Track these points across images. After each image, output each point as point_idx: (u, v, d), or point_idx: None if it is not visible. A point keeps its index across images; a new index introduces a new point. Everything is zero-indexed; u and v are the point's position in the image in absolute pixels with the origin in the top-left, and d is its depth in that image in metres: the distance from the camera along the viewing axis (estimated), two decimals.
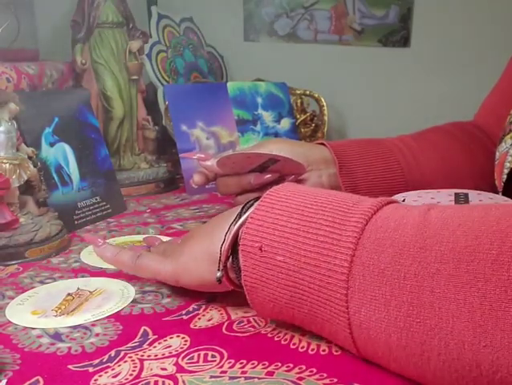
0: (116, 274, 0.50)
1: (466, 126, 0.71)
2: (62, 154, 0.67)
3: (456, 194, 0.50)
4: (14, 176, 0.55)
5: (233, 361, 0.35)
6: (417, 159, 0.63)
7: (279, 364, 0.34)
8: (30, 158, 0.59)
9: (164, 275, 0.43)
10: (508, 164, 0.52)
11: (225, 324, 0.40)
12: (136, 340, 0.38)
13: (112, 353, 0.36)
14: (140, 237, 0.61)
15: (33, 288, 0.48)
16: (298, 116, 1.03)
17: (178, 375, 0.34)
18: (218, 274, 0.39)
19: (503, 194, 0.53)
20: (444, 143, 0.66)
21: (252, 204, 0.38)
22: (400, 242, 0.31)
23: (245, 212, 0.38)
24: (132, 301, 0.44)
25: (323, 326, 0.34)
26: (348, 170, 0.61)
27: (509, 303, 0.26)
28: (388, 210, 0.34)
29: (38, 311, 0.43)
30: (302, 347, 0.36)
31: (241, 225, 0.37)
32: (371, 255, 0.31)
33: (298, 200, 0.36)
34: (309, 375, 0.33)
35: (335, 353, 0.35)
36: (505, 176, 0.53)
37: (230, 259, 0.38)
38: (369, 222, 0.33)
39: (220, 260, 0.38)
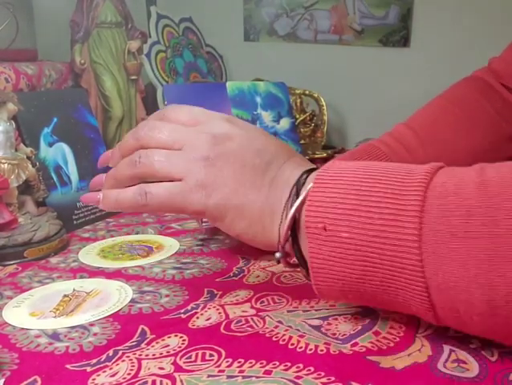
0: (113, 274, 0.50)
1: (470, 89, 0.71)
2: (61, 154, 0.67)
3: None
4: (12, 176, 0.55)
5: (230, 360, 0.35)
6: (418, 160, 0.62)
7: (277, 363, 0.34)
8: (28, 158, 0.59)
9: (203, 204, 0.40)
10: None
11: (224, 323, 0.40)
12: (133, 339, 0.38)
13: (110, 352, 0.36)
14: (139, 237, 0.61)
15: (31, 288, 0.48)
16: (297, 116, 1.03)
17: (176, 375, 0.34)
18: (278, 255, 0.39)
19: None
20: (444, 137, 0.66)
21: (303, 183, 0.38)
22: (466, 204, 0.31)
23: (297, 193, 0.38)
24: (131, 301, 0.44)
25: (397, 294, 0.34)
26: None
27: None
28: (443, 175, 0.34)
29: (37, 313, 0.43)
30: (301, 347, 0.36)
31: (299, 206, 0.37)
32: (439, 220, 0.31)
33: (351, 176, 0.36)
34: (307, 374, 0.33)
35: (332, 353, 0.35)
36: None
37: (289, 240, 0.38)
38: (428, 189, 0.33)
39: (279, 241, 0.38)
